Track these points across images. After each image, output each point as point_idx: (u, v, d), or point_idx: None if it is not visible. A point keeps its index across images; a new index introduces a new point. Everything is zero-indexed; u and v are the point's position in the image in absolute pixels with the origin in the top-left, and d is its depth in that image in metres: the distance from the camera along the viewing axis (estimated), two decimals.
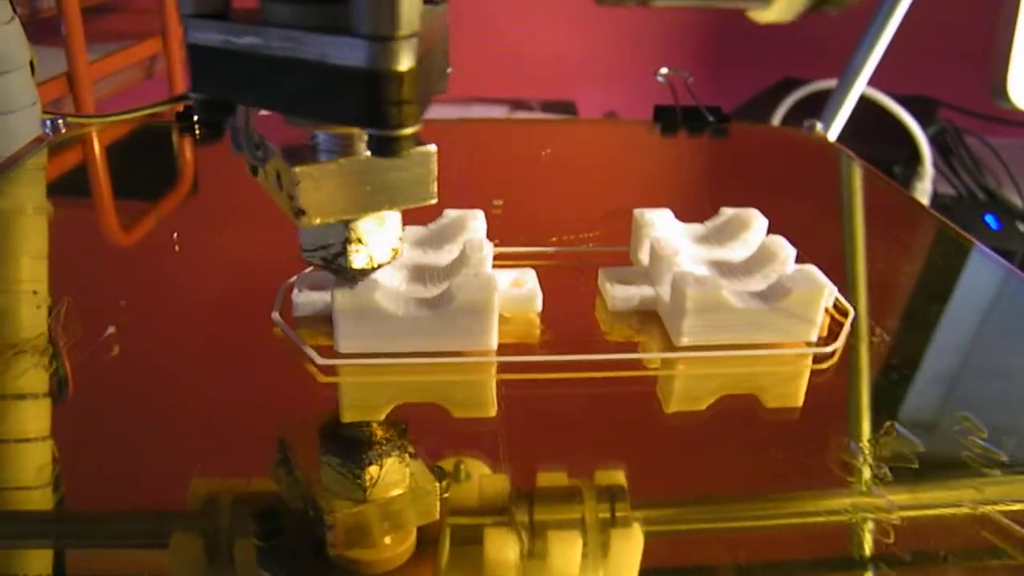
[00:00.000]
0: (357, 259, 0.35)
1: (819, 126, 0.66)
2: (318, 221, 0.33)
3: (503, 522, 0.30)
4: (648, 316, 0.43)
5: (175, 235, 0.51)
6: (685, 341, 0.40)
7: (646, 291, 0.43)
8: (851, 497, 0.32)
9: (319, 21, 0.29)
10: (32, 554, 0.30)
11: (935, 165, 1.21)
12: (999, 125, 1.30)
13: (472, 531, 0.30)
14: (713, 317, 0.40)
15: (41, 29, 0.88)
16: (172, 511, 0.31)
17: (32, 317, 0.42)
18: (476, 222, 0.45)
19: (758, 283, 0.43)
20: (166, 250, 0.50)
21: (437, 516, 0.30)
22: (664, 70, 0.68)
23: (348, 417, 0.36)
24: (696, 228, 0.47)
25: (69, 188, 0.61)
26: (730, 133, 0.67)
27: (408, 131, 0.29)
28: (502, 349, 0.39)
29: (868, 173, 0.61)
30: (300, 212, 0.32)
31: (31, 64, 0.89)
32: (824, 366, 0.40)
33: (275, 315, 0.41)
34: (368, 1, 0.27)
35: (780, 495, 0.33)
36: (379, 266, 0.36)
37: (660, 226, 0.46)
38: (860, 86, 0.91)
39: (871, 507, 0.31)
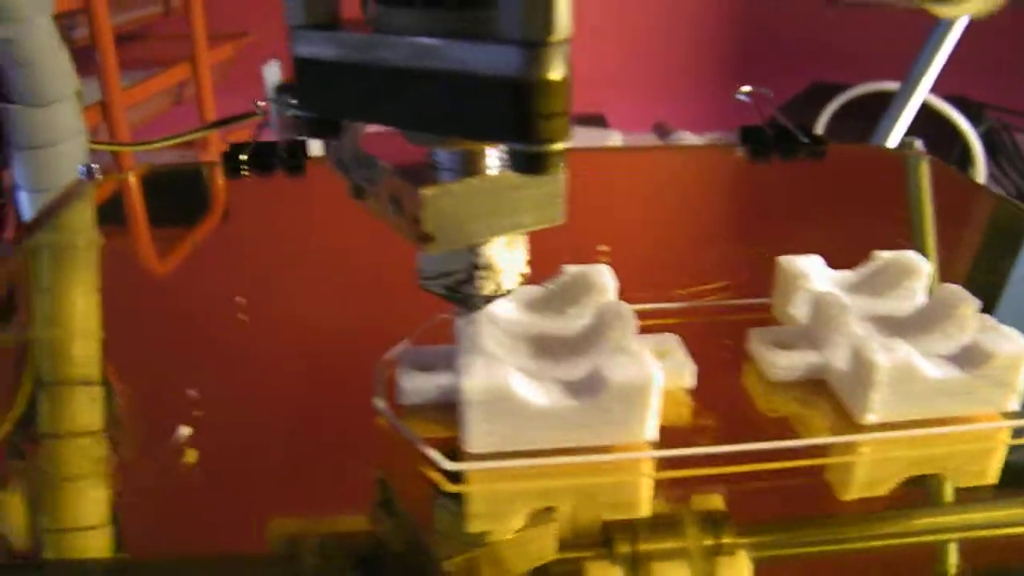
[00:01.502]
0: (485, 286, 0.30)
1: (918, 143, 0.58)
2: (445, 248, 0.28)
3: (604, 555, 0.28)
4: (815, 386, 0.34)
5: (236, 299, 0.43)
6: (871, 419, 0.32)
7: (812, 358, 0.34)
8: None
9: (456, 27, 0.25)
10: None
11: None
12: None
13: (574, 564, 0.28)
14: (903, 389, 0.32)
15: (75, 58, 0.80)
16: (253, 555, 0.28)
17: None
18: (604, 279, 0.36)
19: (940, 343, 0.34)
20: (225, 311, 0.42)
21: (552, 557, 0.28)
22: (746, 88, 0.60)
23: (478, 527, 0.29)
24: (848, 276, 0.39)
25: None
26: (827, 155, 0.59)
27: (559, 146, 0.25)
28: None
29: (987, 195, 0.53)
30: (427, 238, 0.27)
31: (78, 94, 0.81)
32: None
33: (379, 402, 0.33)
34: (521, 3, 0.23)
35: None
36: (507, 292, 0.31)
37: (813, 276, 0.37)
38: (923, 92, 0.83)
39: None
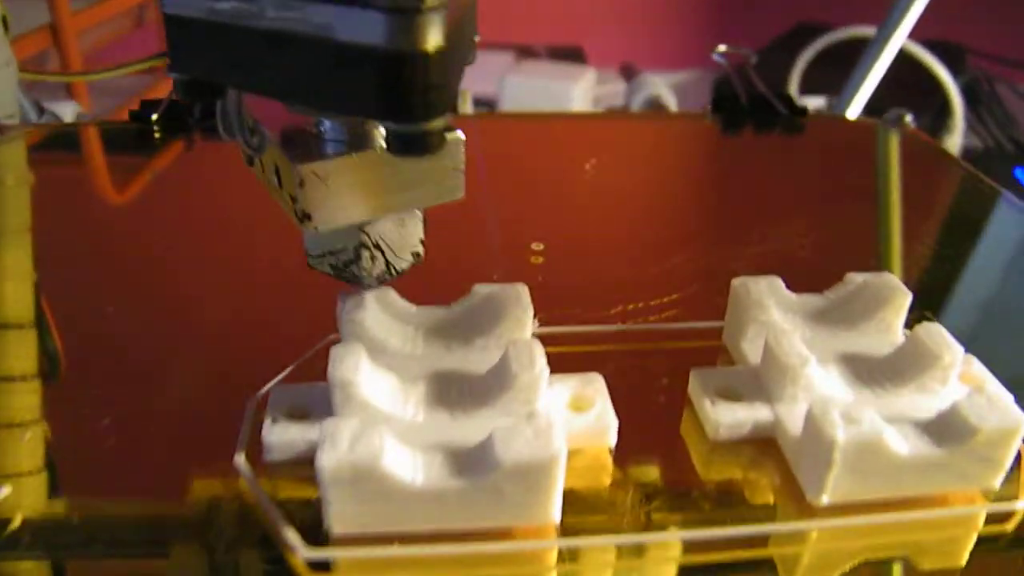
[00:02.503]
0: (374, 267, 0.28)
1: (908, 118, 0.51)
2: (325, 227, 0.26)
3: None
4: (763, 447, 0.28)
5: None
6: (825, 501, 0.26)
7: (761, 413, 0.28)
8: None
9: None
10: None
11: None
12: None
13: None
14: (867, 467, 0.25)
15: None
16: (172, 517, 0.26)
17: (16, 293, 0.37)
18: (519, 305, 0.29)
19: (916, 398, 0.28)
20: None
21: None
22: (722, 47, 0.52)
23: None
24: (814, 302, 0.32)
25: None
26: (805, 128, 0.51)
27: (437, 124, 0.22)
28: (564, 519, 0.25)
29: (985, 188, 0.46)
30: (305, 216, 0.25)
31: (3, 20, 0.73)
32: (1007, 528, 0.26)
33: (239, 460, 0.26)
34: None
35: None
36: (400, 273, 0.29)
37: (770, 305, 0.31)
38: (901, 38, 0.74)
39: None
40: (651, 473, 0.27)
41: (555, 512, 0.24)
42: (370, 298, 0.29)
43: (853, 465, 0.25)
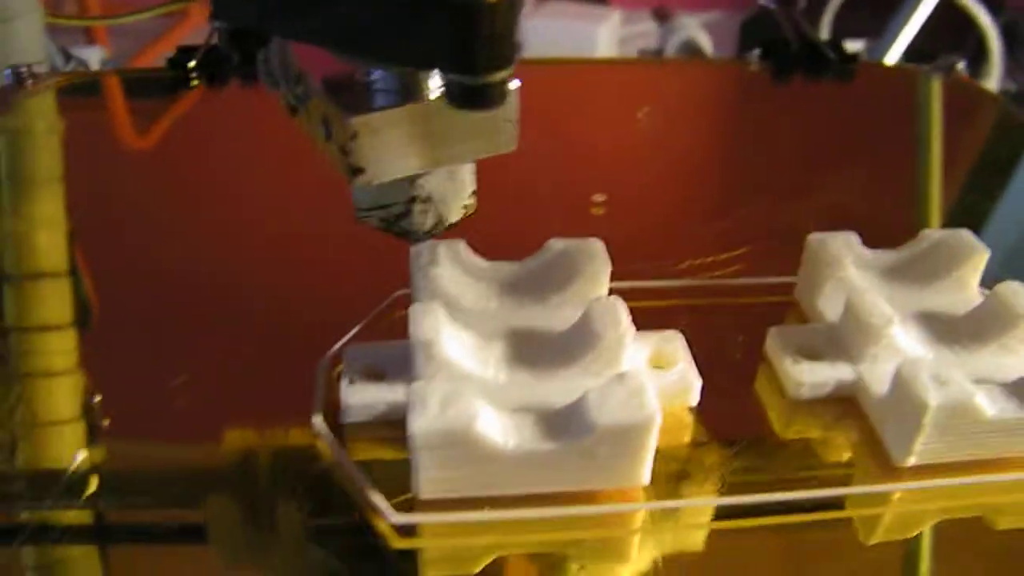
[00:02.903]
0: (425, 220, 0.27)
1: (960, 65, 0.49)
2: (378, 181, 0.24)
3: None
4: (844, 406, 0.28)
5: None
6: (911, 463, 0.25)
7: (843, 373, 0.27)
8: None
9: None
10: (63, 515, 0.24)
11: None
12: None
13: None
14: (955, 430, 0.25)
15: None
16: (206, 471, 0.26)
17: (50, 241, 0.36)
18: (595, 261, 0.29)
19: (997, 358, 0.28)
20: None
21: None
22: None
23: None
24: (888, 259, 0.31)
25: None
26: (856, 76, 0.50)
27: (502, 76, 0.20)
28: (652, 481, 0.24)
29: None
30: (357, 171, 0.24)
31: None
32: None
33: (318, 421, 0.26)
34: None
35: None
36: (450, 226, 0.27)
37: (847, 262, 0.30)
38: None
39: None
40: (732, 433, 0.27)
41: (646, 474, 0.24)
42: (443, 253, 0.28)
43: (942, 428, 0.25)
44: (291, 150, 0.39)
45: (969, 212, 0.41)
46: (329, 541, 0.24)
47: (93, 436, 0.27)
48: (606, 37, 1.11)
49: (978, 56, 1.02)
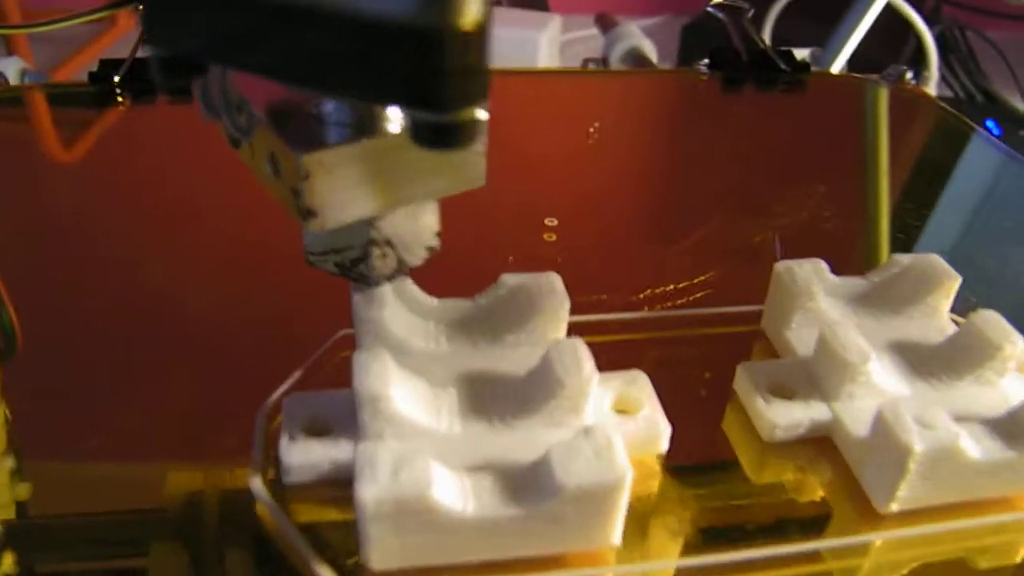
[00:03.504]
0: (385, 266, 0.24)
1: (909, 75, 0.48)
2: (333, 225, 0.22)
3: None
4: (817, 447, 0.26)
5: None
6: (894, 509, 0.24)
7: (818, 413, 0.26)
8: None
9: None
10: None
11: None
12: (1003, 20, 1.11)
13: None
14: (941, 473, 0.23)
15: None
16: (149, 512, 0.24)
17: None
18: (553, 299, 0.27)
19: (975, 391, 0.26)
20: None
21: None
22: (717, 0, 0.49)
23: None
24: (857, 285, 0.30)
25: None
26: (808, 86, 0.48)
27: (474, 112, 0.18)
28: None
29: (988, 144, 0.44)
30: (310, 214, 0.21)
31: None
32: None
33: (256, 484, 0.23)
34: None
35: None
36: (409, 271, 0.25)
37: (817, 292, 0.28)
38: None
39: None
40: (703, 479, 0.25)
41: (616, 535, 0.22)
42: (387, 291, 0.26)
43: (926, 472, 0.23)
44: (229, 163, 0.37)
45: (917, 217, 0.40)
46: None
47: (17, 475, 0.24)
48: (547, 44, 1.09)
49: (914, 64, 1.02)
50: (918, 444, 0.22)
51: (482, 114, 0.22)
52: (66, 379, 0.28)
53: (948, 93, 1.08)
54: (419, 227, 0.24)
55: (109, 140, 0.44)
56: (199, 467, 0.25)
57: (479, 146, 0.22)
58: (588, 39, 0.93)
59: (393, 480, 0.20)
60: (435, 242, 0.25)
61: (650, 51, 0.63)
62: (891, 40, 1.02)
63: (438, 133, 0.18)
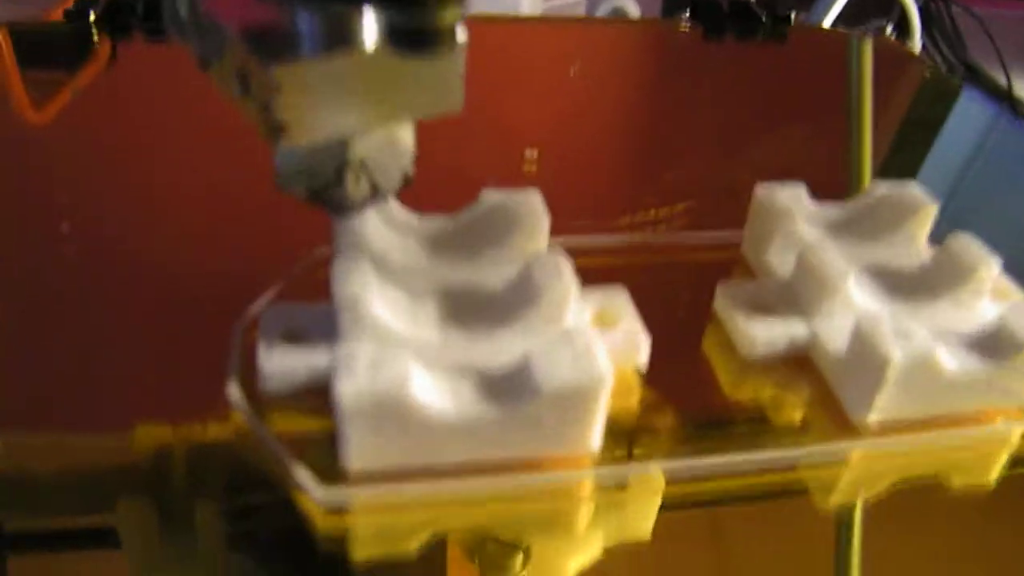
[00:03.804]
0: (358, 190, 0.23)
1: (889, 29, 0.48)
2: (305, 141, 0.20)
3: None
4: (796, 364, 0.26)
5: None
6: (872, 419, 0.24)
7: (797, 330, 0.26)
8: None
9: None
10: None
11: None
12: None
13: None
14: (916, 385, 0.23)
15: None
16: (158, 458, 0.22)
17: None
18: (534, 214, 0.26)
19: (951, 314, 0.26)
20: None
21: None
22: None
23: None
24: (836, 212, 0.30)
25: None
26: (789, 38, 0.48)
27: (452, 12, 0.18)
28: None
29: (970, 96, 0.44)
30: (279, 130, 0.20)
31: None
32: None
33: (233, 392, 0.23)
34: None
35: None
36: (385, 197, 0.24)
37: (797, 216, 0.28)
38: None
39: None
40: (681, 395, 0.25)
41: (595, 440, 0.22)
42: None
43: (903, 383, 0.23)
44: (202, 93, 0.36)
45: (899, 169, 0.40)
46: (251, 523, 0.21)
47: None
48: (529, 5, 1.08)
49: (897, 36, 1.02)
50: (896, 354, 0.22)
51: (461, 31, 0.22)
52: (35, 329, 0.27)
53: (920, 74, 1.08)
54: (395, 151, 0.23)
55: (88, 82, 0.43)
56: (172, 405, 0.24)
57: (457, 67, 0.21)
58: (574, 4, 0.92)
59: (372, 377, 0.20)
60: (411, 168, 0.24)
61: (633, 11, 0.63)
62: (874, 11, 1.02)
63: (415, 36, 0.18)
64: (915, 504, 0.23)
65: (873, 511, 0.23)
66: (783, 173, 0.30)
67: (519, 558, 0.21)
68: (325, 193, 0.23)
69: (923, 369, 0.23)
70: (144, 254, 0.30)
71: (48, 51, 0.45)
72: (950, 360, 0.23)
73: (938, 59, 1.08)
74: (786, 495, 0.23)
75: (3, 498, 0.22)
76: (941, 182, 0.39)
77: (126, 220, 0.31)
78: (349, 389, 0.20)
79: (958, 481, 0.24)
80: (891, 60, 0.49)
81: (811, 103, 0.44)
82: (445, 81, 0.21)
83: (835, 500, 0.23)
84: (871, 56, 0.48)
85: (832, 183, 0.35)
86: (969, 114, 0.44)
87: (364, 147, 0.23)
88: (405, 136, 0.23)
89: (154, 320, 0.27)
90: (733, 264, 0.30)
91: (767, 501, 0.23)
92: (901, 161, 0.41)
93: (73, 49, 0.44)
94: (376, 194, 0.24)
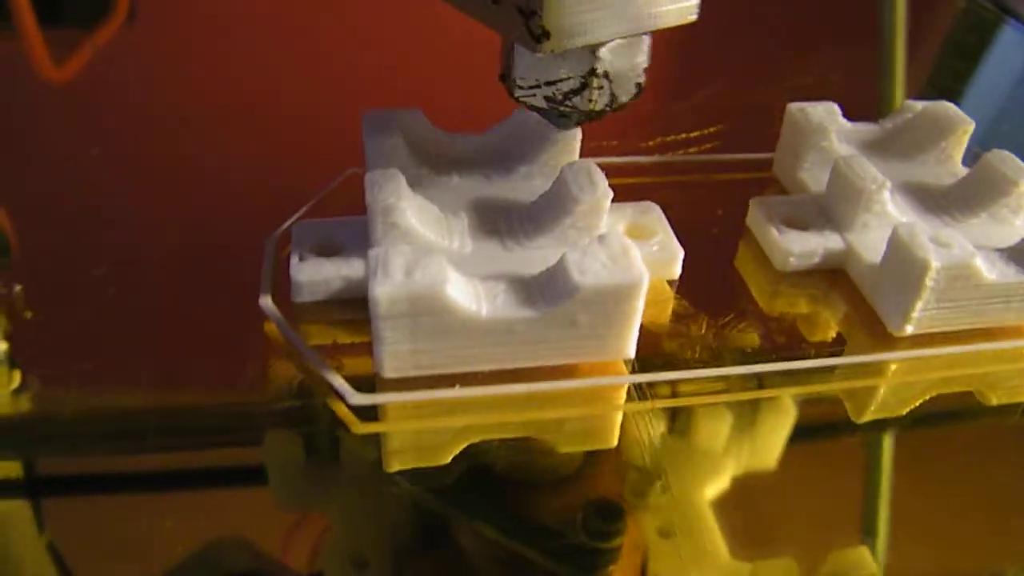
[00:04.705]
0: (599, 99, 0.23)
1: None
2: (568, 47, 0.20)
3: None
4: (831, 277, 0.25)
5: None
6: (909, 331, 0.23)
7: (833, 242, 0.25)
8: None
9: None
10: None
11: None
12: None
13: None
14: (955, 295, 0.23)
15: None
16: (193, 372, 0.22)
17: None
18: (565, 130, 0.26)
19: (989, 228, 0.26)
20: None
21: None
22: None
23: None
24: (870, 130, 0.29)
25: None
26: None
27: None
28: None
29: (1010, 27, 0.43)
30: (544, 35, 0.19)
31: None
32: None
33: (266, 302, 0.23)
34: None
35: None
36: (620, 107, 0.23)
37: (830, 130, 0.28)
38: None
39: None
40: (716, 307, 0.24)
41: (631, 346, 0.21)
42: (398, 123, 0.25)
43: (941, 292, 0.22)
44: (230, 39, 0.36)
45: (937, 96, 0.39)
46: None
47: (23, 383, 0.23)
48: None
49: None
50: (935, 260, 0.22)
51: None
52: (66, 279, 0.26)
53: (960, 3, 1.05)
54: (632, 61, 0.23)
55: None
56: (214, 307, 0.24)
57: None
58: None
59: (407, 278, 0.19)
60: (643, 78, 0.23)
61: None
62: None
63: None
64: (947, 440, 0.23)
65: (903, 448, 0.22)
66: (813, 91, 0.30)
67: (658, 484, 0.20)
68: (564, 102, 0.23)
69: (962, 276, 0.22)
70: (172, 187, 0.29)
71: (66, 7, 0.45)
72: (989, 268, 0.23)
73: None
74: (822, 404, 0.23)
75: (37, 439, 0.21)
76: (978, 112, 0.38)
77: (154, 158, 0.31)
78: (384, 290, 0.19)
79: (995, 398, 0.23)
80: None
81: (845, 27, 0.43)
82: None
83: (873, 414, 0.23)
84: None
85: (866, 108, 0.34)
86: (1008, 44, 0.43)
87: (610, 55, 0.22)
88: (642, 45, 0.23)
89: (187, 247, 0.26)
90: (764, 184, 0.29)
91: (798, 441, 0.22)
92: (938, 91, 0.40)
93: (91, 5, 0.44)
94: (613, 103, 0.23)
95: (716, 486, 0.21)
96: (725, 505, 0.20)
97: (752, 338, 0.23)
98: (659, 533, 0.19)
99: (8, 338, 0.23)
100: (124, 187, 0.29)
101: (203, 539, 0.19)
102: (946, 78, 0.40)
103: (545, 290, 0.20)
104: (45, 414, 0.21)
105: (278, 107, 0.32)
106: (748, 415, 0.22)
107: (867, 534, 0.20)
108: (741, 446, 0.21)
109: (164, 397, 0.22)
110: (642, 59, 0.23)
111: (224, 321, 0.24)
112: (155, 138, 0.32)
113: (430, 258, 0.20)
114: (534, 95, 0.23)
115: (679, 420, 0.22)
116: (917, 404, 0.23)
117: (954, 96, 0.39)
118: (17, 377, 0.22)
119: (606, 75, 0.22)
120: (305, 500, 0.20)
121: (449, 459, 0.20)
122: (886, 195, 0.25)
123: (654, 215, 0.25)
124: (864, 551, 0.20)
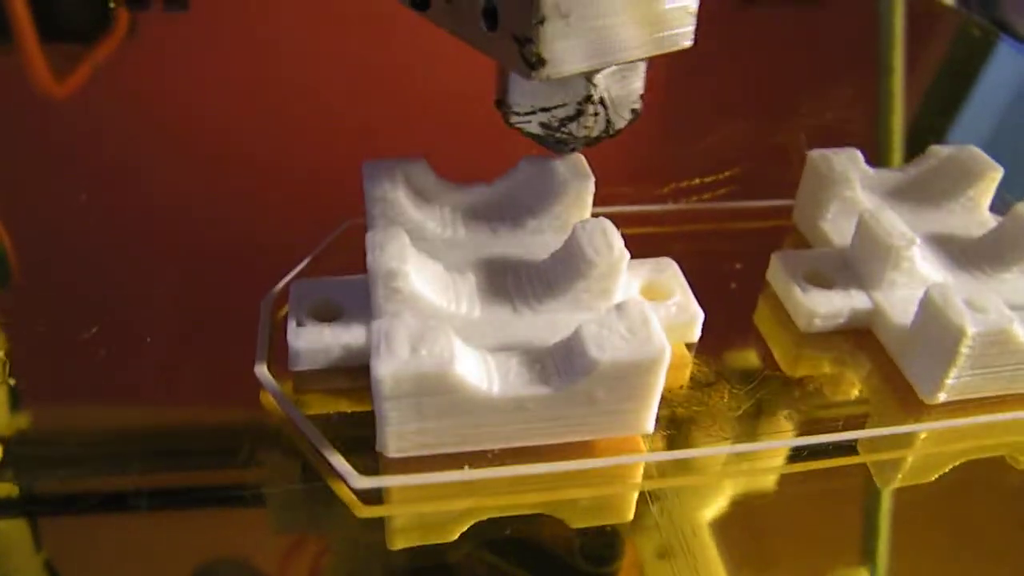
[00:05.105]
0: (595, 126, 0.23)
1: None
2: (564, 74, 0.20)
3: None
4: (856, 337, 0.24)
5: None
6: (942, 399, 0.22)
7: (859, 301, 0.24)
8: None
9: None
10: None
11: None
12: None
13: None
14: (990, 360, 0.21)
15: None
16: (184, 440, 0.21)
17: None
18: (577, 180, 0.24)
19: (1018, 281, 0.24)
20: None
21: None
22: None
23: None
24: (894, 177, 0.28)
25: None
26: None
27: None
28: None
29: (1013, 50, 0.42)
30: (540, 62, 0.19)
31: None
32: None
33: (262, 372, 0.21)
34: None
35: None
36: (616, 133, 0.23)
37: (854, 179, 0.26)
38: None
39: None
40: (736, 372, 0.23)
41: (650, 422, 0.20)
42: (400, 173, 0.24)
43: (977, 358, 0.21)
44: (228, 67, 0.34)
45: (933, 124, 0.38)
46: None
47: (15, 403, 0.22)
48: None
49: None
50: (971, 326, 0.20)
51: None
52: (63, 306, 0.25)
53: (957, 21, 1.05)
54: (627, 87, 0.23)
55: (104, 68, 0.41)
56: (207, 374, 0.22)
57: (692, 3, 0.21)
58: None
59: (412, 355, 0.18)
60: (639, 104, 0.23)
61: None
62: None
63: None
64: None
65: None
66: (827, 131, 0.28)
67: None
68: (560, 129, 0.23)
69: (999, 342, 0.21)
70: (167, 226, 0.28)
71: (67, 23, 0.43)
72: None
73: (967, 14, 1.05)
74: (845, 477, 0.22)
75: (35, 461, 0.20)
76: (976, 135, 0.37)
77: (149, 194, 0.29)
78: (388, 369, 0.18)
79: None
80: (924, 14, 0.47)
81: (849, 61, 0.42)
82: (678, 18, 0.21)
83: (901, 481, 0.21)
84: (903, 10, 0.46)
85: (872, 142, 0.33)
86: (1005, 66, 0.42)
87: (604, 82, 0.22)
88: (637, 72, 0.23)
89: (181, 298, 0.25)
90: (783, 233, 0.28)
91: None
92: (935, 114, 0.39)
93: (91, 21, 0.43)
94: (609, 129, 0.23)
95: (714, 508, 0.20)
96: (723, 527, 0.19)
97: (774, 407, 0.22)
98: (657, 555, 0.19)
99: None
100: (118, 226, 0.28)
101: (200, 559, 0.18)
102: (943, 95, 0.39)
103: (560, 365, 0.19)
104: (43, 434, 0.21)
105: (276, 153, 0.31)
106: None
107: (866, 557, 0.19)
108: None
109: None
110: (638, 85, 0.23)
111: (219, 386, 0.22)
112: (140, 183, 0.30)
113: (437, 332, 0.18)
114: (529, 122, 0.23)
115: None
116: (947, 471, 0.22)
117: (951, 113, 0.38)
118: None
119: (602, 101, 0.22)
120: (303, 525, 0.19)
121: (456, 537, 0.19)
122: (915, 252, 0.23)
123: (671, 272, 0.24)
124: (863, 573, 0.19)
